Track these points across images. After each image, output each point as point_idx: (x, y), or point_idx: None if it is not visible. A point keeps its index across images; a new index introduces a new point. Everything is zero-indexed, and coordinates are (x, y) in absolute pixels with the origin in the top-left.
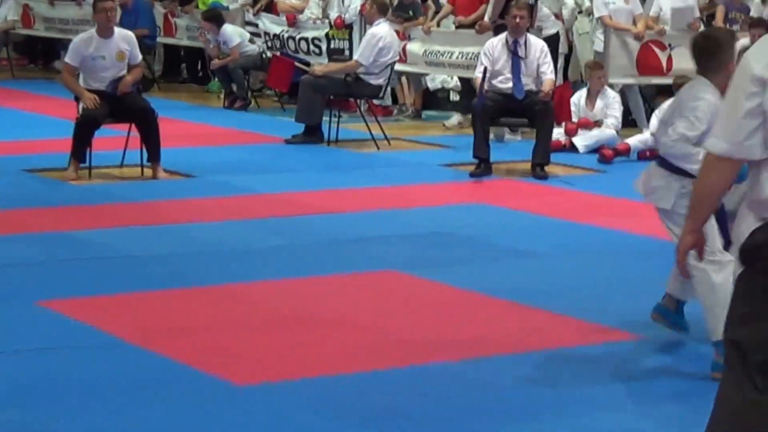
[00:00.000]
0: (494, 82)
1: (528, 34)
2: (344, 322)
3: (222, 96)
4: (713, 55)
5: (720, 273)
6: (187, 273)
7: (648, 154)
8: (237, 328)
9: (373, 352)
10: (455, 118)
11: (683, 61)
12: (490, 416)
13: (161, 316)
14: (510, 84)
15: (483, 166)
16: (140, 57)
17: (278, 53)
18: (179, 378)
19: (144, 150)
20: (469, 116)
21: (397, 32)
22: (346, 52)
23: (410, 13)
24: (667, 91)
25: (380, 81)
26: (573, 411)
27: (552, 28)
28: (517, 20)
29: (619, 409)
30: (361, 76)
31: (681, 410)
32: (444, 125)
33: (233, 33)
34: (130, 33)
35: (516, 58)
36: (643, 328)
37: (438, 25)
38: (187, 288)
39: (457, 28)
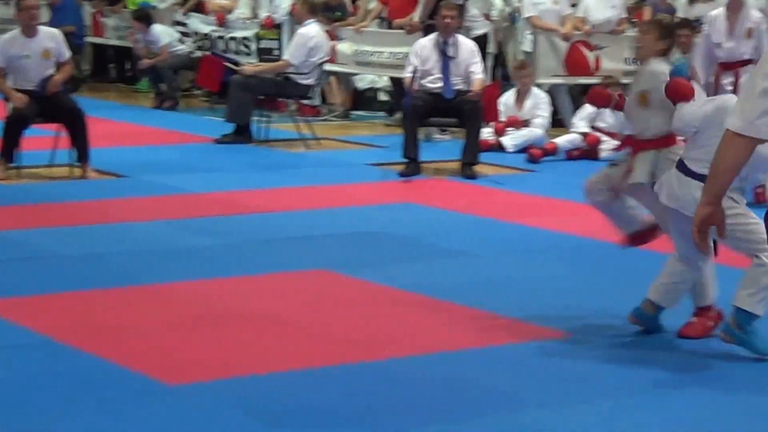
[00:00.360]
0: (424, 82)
1: (457, 35)
2: (276, 320)
3: (151, 96)
4: None
5: None
6: (119, 273)
7: (576, 154)
8: (169, 328)
9: (305, 350)
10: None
11: (611, 61)
12: (420, 414)
13: (92, 316)
14: (440, 84)
15: (412, 166)
16: (68, 54)
17: (208, 53)
18: (111, 378)
19: (73, 150)
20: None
21: (328, 32)
22: (276, 52)
23: (338, 13)
24: None
25: (310, 81)
26: (504, 409)
27: (480, 28)
28: (447, 20)
29: (550, 406)
30: (291, 76)
31: (612, 407)
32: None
33: (162, 33)
34: (56, 31)
35: (446, 58)
36: (573, 326)
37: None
38: (118, 288)
39: (390, 28)
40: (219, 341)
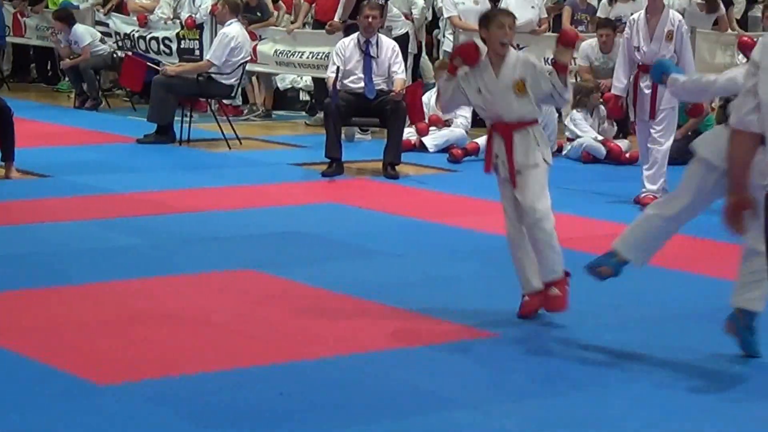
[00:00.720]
0: (346, 82)
1: (379, 34)
2: (204, 321)
3: (72, 96)
4: None
5: None
6: (46, 273)
7: None
8: (97, 328)
9: (234, 350)
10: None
11: None
12: (347, 414)
13: (19, 316)
14: (362, 84)
15: (335, 166)
16: None
17: (130, 53)
18: (39, 377)
19: None
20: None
21: (250, 33)
22: (197, 52)
23: (258, 14)
24: None
25: (232, 81)
26: (430, 409)
27: (402, 28)
28: (370, 20)
29: (477, 406)
30: (213, 75)
31: (540, 406)
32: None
33: (84, 33)
34: None
35: (368, 58)
36: (498, 326)
37: (303, 26)
38: (45, 288)
39: (314, 28)
40: (148, 341)
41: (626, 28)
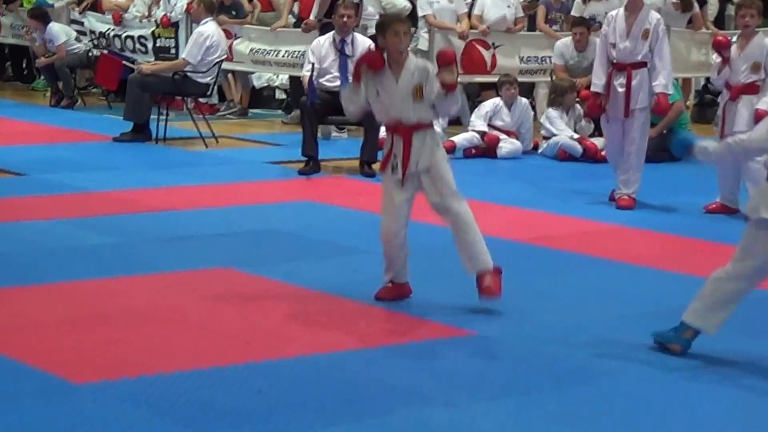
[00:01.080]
0: (322, 80)
1: (354, 33)
2: (179, 319)
3: (47, 94)
4: None
5: None
6: (20, 271)
7: (474, 152)
8: (72, 326)
9: (211, 349)
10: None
11: (506, 59)
12: (329, 413)
13: None
14: (338, 83)
15: (312, 164)
16: None
17: (105, 51)
18: (15, 376)
19: None
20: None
21: (225, 31)
22: (172, 51)
23: (233, 12)
24: (491, 89)
25: (208, 79)
26: (410, 407)
27: None
28: (345, 19)
29: (456, 405)
30: (189, 74)
31: (517, 405)
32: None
33: (59, 31)
34: None
35: (343, 57)
36: (476, 324)
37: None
38: (19, 286)
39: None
40: (123, 340)
41: (604, 26)
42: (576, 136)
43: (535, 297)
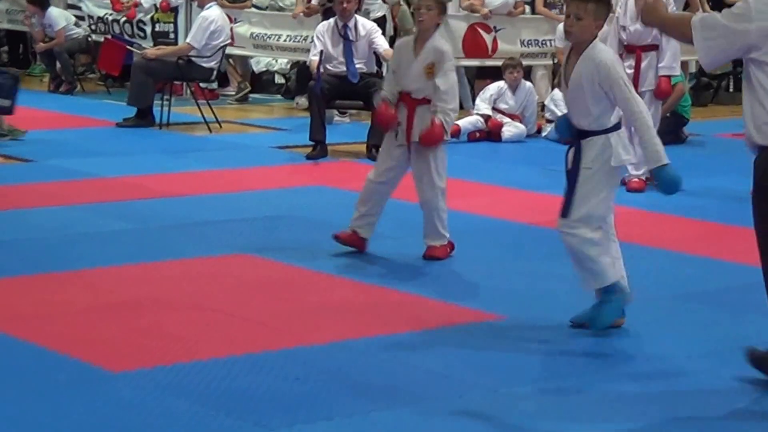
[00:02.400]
0: (328, 66)
1: (357, 17)
2: (205, 306)
3: (45, 80)
4: None
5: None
6: (38, 259)
7: (478, 136)
8: (96, 314)
9: (242, 336)
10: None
11: (507, 43)
12: (367, 399)
13: (18, 303)
14: (344, 68)
15: (319, 149)
16: None
17: (109, 36)
18: (52, 365)
19: None
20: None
21: (228, 16)
22: (171, 35)
23: None
24: (491, 74)
25: (212, 64)
26: (447, 392)
27: (379, 11)
28: (344, 5)
29: (492, 389)
30: (193, 59)
31: (555, 390)
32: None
33: (59, 16)
34: None
35: (347, 42)
36: (504, 309)
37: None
38: (39, 274)
39: None
40: (152, 327)
41: (616, 8)
42: None
43: (558, 280)
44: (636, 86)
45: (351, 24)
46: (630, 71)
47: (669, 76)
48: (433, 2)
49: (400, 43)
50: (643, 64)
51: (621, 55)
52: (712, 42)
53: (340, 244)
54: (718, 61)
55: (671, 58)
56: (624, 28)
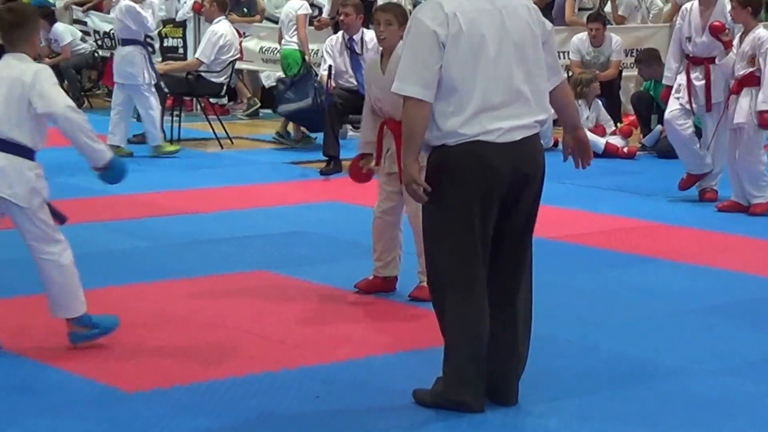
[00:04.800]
0: (340, 81)
1: (364, 30)
2: (223, 324)
3: None
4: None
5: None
6: None
7: None
8: (112, 334)
9: (260, 354)
10: None
11: None
12: (385, 416)
13: (32, 322)
14: (355, 81)
15: (333, 164)
16: None
17: (114, 51)
18: (68, 386)
19: None
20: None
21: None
22: (180, 50)
23: (245, 10)
24: None
25: (221, 79)
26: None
27: None
28: (342, 18)
29: (517, 405)
30: (203, 74)
31: (579, 405)
32: None
33: (65, 31)
34: None
35: (354, 55)
36: None
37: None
38: None
39: None
40: (168, 346)
41: (678, 18)
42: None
43: (579, 295)
44: (708, 99)
45: (357, 37)
46: (697, 83)
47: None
48: (392, 16)
49: (367, 66)
50: (713, 76)
51: (687, 68)
52: None
53: (363, 293)
54: None
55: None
56: (689, 39)
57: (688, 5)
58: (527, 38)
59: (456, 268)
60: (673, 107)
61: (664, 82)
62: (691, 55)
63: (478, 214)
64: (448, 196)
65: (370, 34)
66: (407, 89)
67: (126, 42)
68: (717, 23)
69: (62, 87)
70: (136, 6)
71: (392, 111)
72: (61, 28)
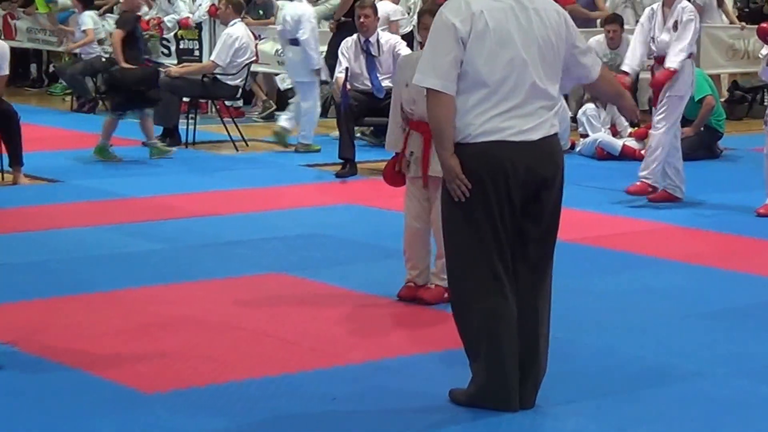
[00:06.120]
0: (355, 83)
1: (379, 32)
2: (240, 326)
3: (68, 99)
4: None
5: None
6: (68, 280)
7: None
8: (130, 335)
9: (276, 356)
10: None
11: None
12: (403, 418)
13: (50, 324)
14: (370, 83)
15: (349, 167)
16: (6, 71)
17: None
18: (86, 387)
19: (3, 155)
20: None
21: (253, 33)
22: (196, 53)
23: (260, 12)
24: None
25: (237, 81)
26: (486, 410)
27: (406, 26)
28: (362, 20)
29: (541, 408)
30: (219, 76)
31: (595, 407)
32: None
33: (88, 17)
34: (2, 44)
35: (370, 57)
36: None
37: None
38: (68, 295)
39: None
40: (185, 348)
41: (643, 17)
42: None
43: (595, 297)
44: (656, 94)
45: (373, 39)
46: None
47: (667, 69)
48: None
49: (400, 66)
50: None
51: (651, 67)
52: None
53: (408, 300)
54: None
55: (674, 53)
56: (653, 39)
57: (655, 5)
58: (550, 41)
59: (478, 269)
60: None
61: (622, 68)
62: (655, 54)
63: (498, 215)
64: (468, 197)
65: (385, 36)
66: (426, 81)
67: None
68: (766, 25)
69: (78, 90)
70: None
71: (425, 114)
72: (87, 14)
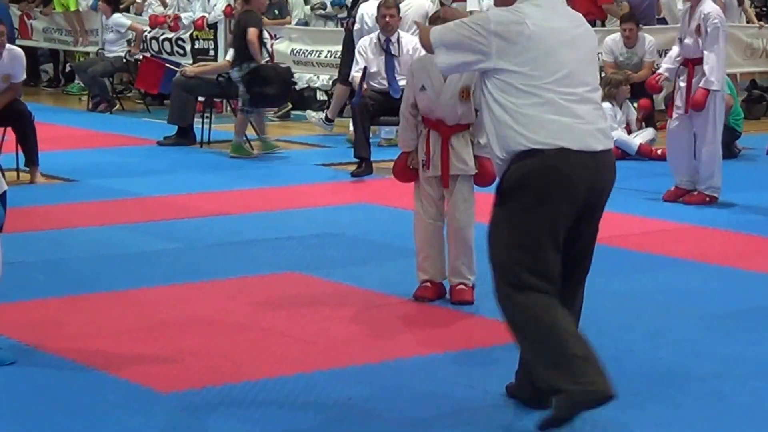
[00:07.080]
0: (372, 82)
1: (400, 32)
2: (255, 326)
3: (84, 99)
4: None
5: None
6: (84, 279)
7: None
8: (145, 334)
9: (291, 355)
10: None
11: None
12: (419, 419)
13: (65, 323)
14: (386, 83)
15: (364, 166)
16: (23, 76)
17: (148, 54)
18: (103, 386)
19: (20, 154)
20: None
21: (269, 33)
22: (211, 52)
23: (276, 12)
24: None
25: None
26: (502, 411)
27: None
28: (387, 19)
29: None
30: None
31: (615, 408)
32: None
33: (121, 17)
34: (19, 52)
35: (389, 57)
36: None
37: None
38: (83, 294)
39: None
40: (200, 347)
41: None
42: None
43: (612, 298)
44: (687, 100)
45: (393, 39)
46: (682, 84)
47: (706, 89)
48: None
49: (419, 67)
50: (695, 79)
51: (677, 70)
52: None
53: (425, 301)
54: None
55: (709, 71)
56: (680, 40)
57: (685, 6)
58: (592, 58)
59: (537, 278)
60: None
61: (660, 70)
62: (681, 56)
63: (562, 227)
64: (531, 210)
65: (407, 37)
66: (439, 57)
67: None
68: None
69: (96, 90)
70: None
71: (445, 115)
72: (116, 15)
